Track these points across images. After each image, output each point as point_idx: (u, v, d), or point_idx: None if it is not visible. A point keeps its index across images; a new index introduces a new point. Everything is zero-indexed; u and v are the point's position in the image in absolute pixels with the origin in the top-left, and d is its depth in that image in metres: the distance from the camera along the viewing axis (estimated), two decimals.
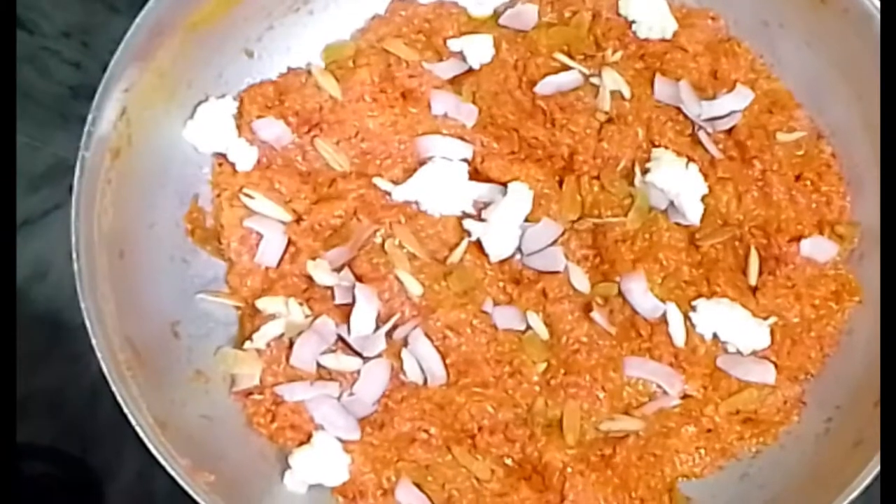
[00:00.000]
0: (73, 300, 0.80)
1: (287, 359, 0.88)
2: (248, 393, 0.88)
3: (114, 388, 0.79)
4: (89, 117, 0.83)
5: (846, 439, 0.85)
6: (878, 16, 0.86)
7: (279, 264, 0.91)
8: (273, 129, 0.93)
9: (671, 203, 0.92)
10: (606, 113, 0.95)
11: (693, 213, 0.91)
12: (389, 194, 0.92)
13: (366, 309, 0.88)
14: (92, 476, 1.04)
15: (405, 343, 0.88)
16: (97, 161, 0.83)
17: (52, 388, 1.04)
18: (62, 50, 1.12)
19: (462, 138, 0.94)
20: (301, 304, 0.89)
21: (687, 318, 0.89)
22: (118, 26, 0.85)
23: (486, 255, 0.91)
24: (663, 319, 0.89)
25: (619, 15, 0.98)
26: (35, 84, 1.11)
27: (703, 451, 0.89)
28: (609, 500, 0.86)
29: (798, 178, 0.94)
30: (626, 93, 0.95)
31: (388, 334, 0.88)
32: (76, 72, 1.11)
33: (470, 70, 0.97)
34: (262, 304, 0.89)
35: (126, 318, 0.83)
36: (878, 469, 0.79)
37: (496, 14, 1.00)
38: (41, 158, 1.10)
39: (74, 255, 0.80)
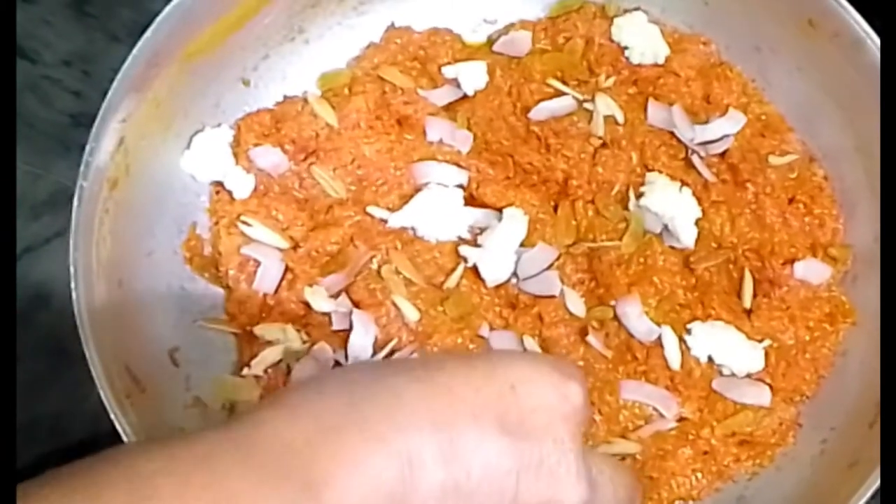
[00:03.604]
0: (75, 327, 0.81)
1: (285, 385, 0.88)
2: None
3: (112, 416, 0.79)
4: (87, 148, 0.83)
5: (841, 460, 0.85)
6: (867, 40, 0.87)
7: (277, 291, 0.92)
8: (270, 157, 0.94)
9: (665, 227, 0.93)
10: (600, 138, 0.95)
11: (687, 236, 0.92)
12: (386, 221, 0.93)
13: (363, 335, 0.88)
14: None
15: None
16: (95, 191, 0.84)
17: (55, 413, 1.05)
18: (63, 79, 1.13)
19: (457, 164, 0.95)
20: (299, 330, 0.90)
21: (682, 341, 0.89)
22: (118, 55, 0.86)
23: (483, 280, 0.91)
24: (658, 342, 0.89)
25: (611, 41, 0.98)
26: (36, 112, 1.12)
27: (699, 473, 0.88)
28: None
29: (791, 200, 0.94)
30: (620, 118, 0.96)
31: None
32: (77, 100, 1.12)
33: (464, 97, 0.98)
34: (259, 330, 0.90)
35: (125, 346, 0.84)
36: (872, 490, 0.79)
37: (490, 41, 1.01)
38: (42, 186, 1.10)
39: (73, 285, 0.81)
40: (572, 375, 0.57)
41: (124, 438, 0.79)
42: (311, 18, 0.98)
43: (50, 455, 1.04)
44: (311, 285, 0.90)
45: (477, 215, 0.93)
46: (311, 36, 0.99)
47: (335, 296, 0.91)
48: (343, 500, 0.49)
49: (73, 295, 0.81)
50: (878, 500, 0.77)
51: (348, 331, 0.88)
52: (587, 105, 0.96)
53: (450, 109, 0.98)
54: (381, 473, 0.50)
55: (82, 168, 0.83)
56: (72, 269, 0.81)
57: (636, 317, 0.90)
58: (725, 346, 0.89)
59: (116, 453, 0.50)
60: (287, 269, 0.92)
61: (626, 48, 0.98)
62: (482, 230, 0.93)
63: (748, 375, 0.90)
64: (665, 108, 0.96)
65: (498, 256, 0.90)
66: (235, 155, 0.94)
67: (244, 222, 0.92)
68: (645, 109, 0.96)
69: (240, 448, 0.49)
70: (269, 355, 0.89)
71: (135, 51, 0.86)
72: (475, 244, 0.92)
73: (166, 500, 0.46)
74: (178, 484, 0.47)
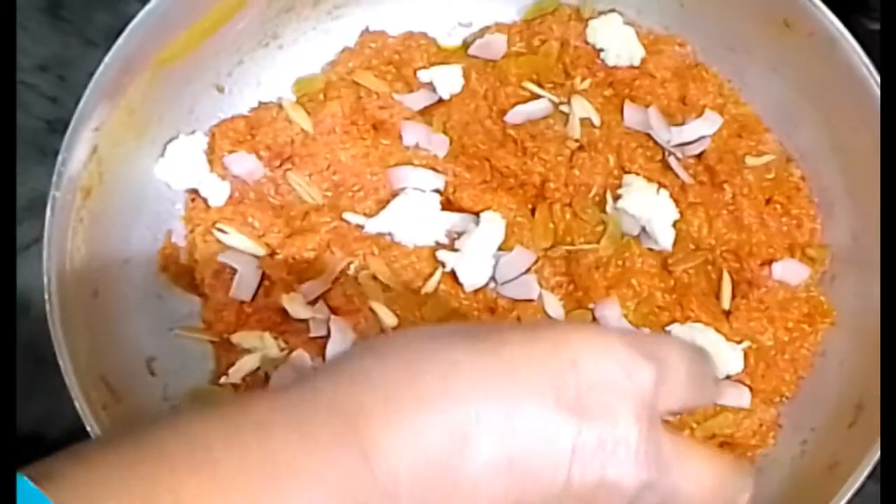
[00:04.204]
0: None
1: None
2: None
3: (88, 428, 0.78)
4: (59, 157, 0.83)
5: (821, 462, 0.85)
6: (842, 39, 0.87)
7: (254, 298, 0.91)
8: (245, 164, 0.93)
9: (643, 229, 0.92)
10: (577, 140, 0.95)
11: (665, 238, 0.91)
12: (362, 226, 0.92)
13: (341, 341, 0.87)
14: None
15: None
16: (69, 200, 0.83)
17: (34, 421, 1.04)
18: (39, 84, 1.12)
19: (434, 169, 0.94)
20: (276, 337, 0.89)
21: None
22: (94, 60, 0.86)
23: (461, 285, 0.90)
24: None
25: (587, 43, 0.98)
26: None
27: None
28: None
29: (768, 201, 0.94)
30: (596, 120, 0.95)
31: None
32: (53, 106, 1.12)
33: (440, 100, 0.97)
34: (237, 338, 0.89)
35: (101, 356, 0.83)
36: (852, 491, 0.79)
37: (465, 44, 1.01)
38: (20, 192, 1.09)
39: (46, 296, 0.80)
40: (647, 354, 0.54)
41: None
42: (285, 23, 0.97)
43: (29, 462, 1.03)
44: (288, 292, 0.90)
45: (454, 219, 0.93)
46: (286, 41, 0.98)
47: (312, 302, 0.90)
48: (395, 470, 0.49)
49: (47, 306, 0.80)
50: (860, 498, 0.78)
51: (326, 337, 0.88)
52: (563, 108, 0.96)
53: (425, 113, 0.97)
54: (434, 445, 0.50)
55: (55, 178, 0.82)
56: (45, 280, 0.81)
57: (615, 319, 0.89)
58: (704, 347, 0.88)
59: (174, 420, 0.51)
60: (264, 276, 0.91)
61: (601, 50, 0.98)
62: (459, 234, 0.92)
63: (728, 377, 0.90)
64: (641, 109, 0.96)
65: (476, 261, 0.90)
66: (210, 162, 0.94)
67: (220, 230, 0.91)
68: (621, 111, 0.96)
69: (298, 417, 0.50)
70: (247, 363, 0.88)
71: (107, 58, 0.85)
72: (453, 249, 0.91)
73: (227, 470, 0.47)
74: (238, 454, 0.47)
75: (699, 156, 0.96)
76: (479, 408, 0.51)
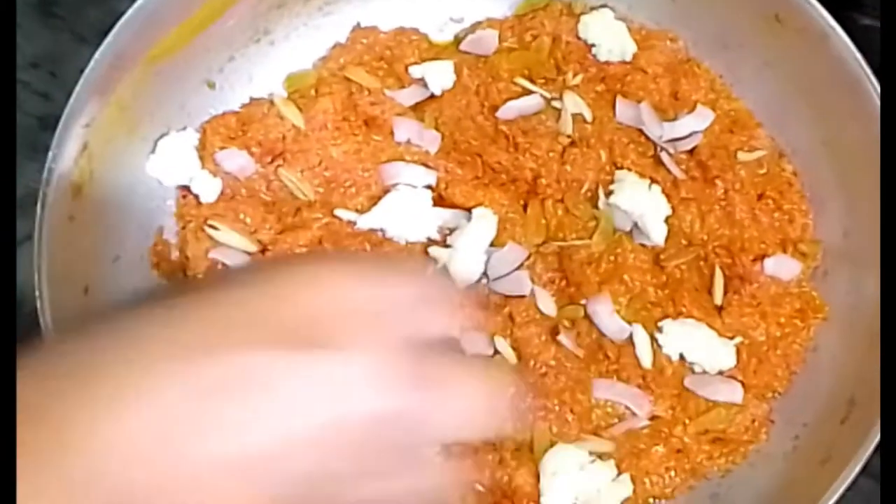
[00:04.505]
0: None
1: None
2: None
3: None
4: (49, 154, 0.83)
5: (814, 457, 0.85)
6: (833, 34, 0.87)
7: None
8: (236, 160, 0.93)
9: (635, 224, 0.92)
10: (569, 136, 0.95)
11: (657, 233, 0.91)
12: (354, 223, 0.92)
13: None
14: None
15: None
16: (59, 198, 0.83)
17: None
18: (30, 81, 1.12)
19: (426, 165, 0.94)
20: None
21: (653, 339, 0.89)
22: (86, 56, 0.86)
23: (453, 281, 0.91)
24: (630, 341, 0.89)
25: (578, 38, 0.98)
26: None
27: (673, 472, 0.88)
28: None
29: (760, 196, 0.94)
30: (588, 116, 0.95)
31: None
32: (45, 102, 1.11)
33: (432, 96, 0.97)
34: None
35: None
36: (845, 486, 0.79)
37: (457, 40, 1.01)
38: None
39: (37, 294, 0.80)
40: (388, 281, 0.51)
41: None
42: (276, 19, 0.97)
43: None
44: None
45: (446, 216, 0.92)
46: (277, 37, 0.98)
47: None
48: (98, 474, 0.44)
49: (38, 302, 0.80)
50: (853, 493, 0.78)
51: None
52: (555, 103, 0.96)
53: (417, 109, 0.97)
54: (145, 436, 0.45)
55: (45, 174, 0.82)
56: (36, 277, 0.80)
57: (607, 315, 0.89)
58: (697, 343, 0.89)
59: None
60: None
61: (593, 45, 0.98)
62: (451, 231, 0.92)
63: (720, 373, 0.90)
64: (633, 105, 0.96)
65: (468, 257, 0.90)
66: (201, 158, 0.93)
67: (211, 226, 0.91)
68: (613, 107, 0.96)
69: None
70: None
71: (97, 54, 0.85)
72: (445, 245, 0.91)
73: None
74: None
75: (691, 151, 0.96)
76: (198, 376, 0.46)
